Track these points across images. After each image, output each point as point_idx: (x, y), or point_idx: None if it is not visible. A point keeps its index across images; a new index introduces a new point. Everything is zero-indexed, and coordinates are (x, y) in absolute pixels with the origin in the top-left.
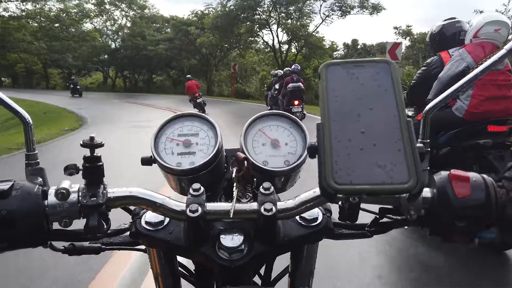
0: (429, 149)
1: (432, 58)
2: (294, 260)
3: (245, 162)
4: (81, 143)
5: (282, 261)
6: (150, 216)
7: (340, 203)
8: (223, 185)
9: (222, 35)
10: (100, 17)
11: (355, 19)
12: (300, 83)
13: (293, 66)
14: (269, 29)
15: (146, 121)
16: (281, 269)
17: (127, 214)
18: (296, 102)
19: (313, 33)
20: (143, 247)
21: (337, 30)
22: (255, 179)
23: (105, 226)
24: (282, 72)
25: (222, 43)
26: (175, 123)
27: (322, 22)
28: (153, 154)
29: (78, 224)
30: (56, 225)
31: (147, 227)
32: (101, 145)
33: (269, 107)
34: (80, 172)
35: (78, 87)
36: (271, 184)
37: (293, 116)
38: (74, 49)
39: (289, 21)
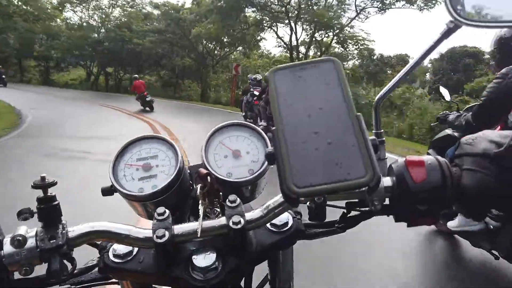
0: (383, 138)
1: (508, 68)
2: (271, 268)
3: (208, 177)
4: (32, 184)
5: (263, 270)
6: (117, 248)
7: (307, 203)
8: (190, 204)
9: (223, 22)
10: (84, 4)
11: (398, 14)
12: None
13: None
14: (287, 21)
15: (106, 138)
16: (261, 279)
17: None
18: None
19: (346, 26)
20: (115, 280)
21: (374, 26)
22: (221, 193)
23: (70, 267)
24: (261, 76)
25: (223, 35)
26: (132, 148)
27: (356, 15)
28: (112, 183)
29: (42, 269)
30: (17, 275)
31: (116, 260)
32: (54, 183)
33: (243, 113)
34: (36, 215)
35: (3, 76)
36: (238, 194)
37: (252, 124)
38: (28, 31)
39: (315, 7)
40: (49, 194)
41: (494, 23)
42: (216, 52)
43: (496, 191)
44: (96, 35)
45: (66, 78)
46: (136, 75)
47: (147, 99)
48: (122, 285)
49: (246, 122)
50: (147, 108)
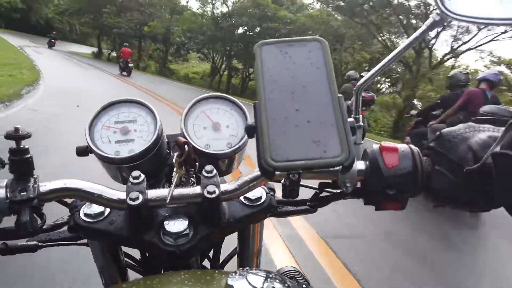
0: (361, 123)
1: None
2: (241, 241)
3: (186, 146)
4: (5, 135)
5: (232, 243)
6: (89, 208)
7: (282, 181)
8: (166, 171)
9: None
10: None
11: None
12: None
13: (491, 71)
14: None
15: None
16: (230, 251)
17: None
18: None
19: None
20: (85, 240)
21: None
22: (197, 164)
23: (40, 222)
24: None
25: None
26: (110, 110)
27: None
28: (88, 143)
29: (10, 221)
30: None
31: (87, 219)
32: (28, 136)
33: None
34: (7, 166)
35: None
36: (215, 167)
37: (233, 98)
38: None
39: None
40: (22, 146)
41: (481, 19)
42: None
43: (462, 199)
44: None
45: (187, 70)
46: (126, 43)
47: (129, 65)
48: (92, 246)
49: (227, 96)
50: (124, 73)
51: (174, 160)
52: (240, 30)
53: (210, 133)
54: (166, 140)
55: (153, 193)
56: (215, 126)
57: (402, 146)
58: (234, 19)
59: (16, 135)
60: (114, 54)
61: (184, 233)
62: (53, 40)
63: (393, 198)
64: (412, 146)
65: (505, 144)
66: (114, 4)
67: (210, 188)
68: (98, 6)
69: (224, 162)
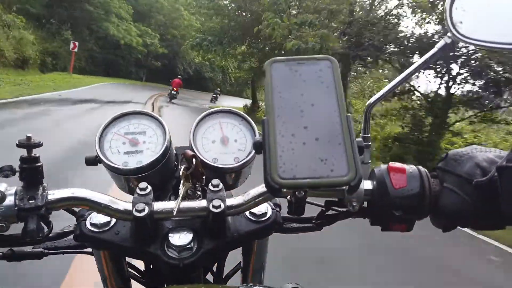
0: (369, 143)
1: None
2: (245, 256)
3: (194, 159)
4: (17, 143)
5: (236, 258)
6: (95, 217)
7: (288, 197)
8: (173, 184)
9: None
10: None
11: None
12: None
13: None
14: None
15: None
16: (233, 266)
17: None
18: None
19: None
20: (89, 250)
21: None
22: (204, 177)
23: (46, 230)
24: None
25: None
26: (121, 121)
27: None
28: (98, 153)
29: (18, 229)
30: None
31: (93, 229)
32: (39, 145)
33: None
34: (17, 174)
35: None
36: (222, 181)
37: (242, 113)
38: None
39: None
40: (33, 155)
41: (491, 43)
42: None
43: (471, 216)
44: None
45: None
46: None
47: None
48: (97, 256)
49: (237, 110)
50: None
51: (181, 173)
52: None
53: (218, 147)
54: (175, 152)
55: (159, 205)
56: (224, 140)
57: (410, 167)
58: None
59: (27, 144)
60: None
61: (188, 246)
62: (215, 95)
63: (400, 220)
64: (420, 167)
65: (511, 158)
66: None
67: (216, 202)
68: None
69: (231, 176)
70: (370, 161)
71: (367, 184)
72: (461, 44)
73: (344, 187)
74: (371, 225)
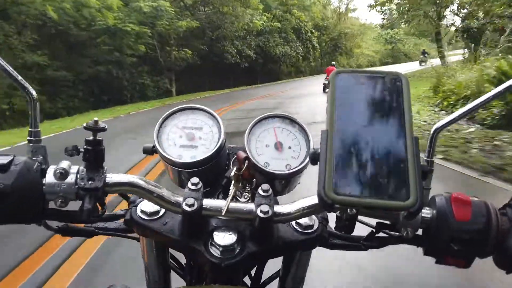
0: (433, 168)
1: None
2: (285, 265)
3: (246, 161)
4: (84, 125)
5: (275, 264)
6: (146, 205)
7: (338, 213)
8: (223, 182)
9: None
10: None
11: None
12: None
13: None
14: None
15: None
16: (272, 272)
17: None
18: None
19: None
20: (136, 235)
21: None
22: (254, 180)
23: (100, 211)
24: None
25: None
26: (180, 115)
27: None
28: (155, 144)
29: (74, 206)
30: (51, 205)
31: (142, 216)
32: (104, 129)
33: None
34: (81, 154)
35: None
36: (271, 186)
37: (298, 120)
38: None
39: None
40: (97, 138)
41: None
42: None
43: None
44: None
45: None
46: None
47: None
48: (141, 242)
49: (295, 118)
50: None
51: (232, 174)
52: None
53: (271, 152)
54: (228, 151)
55: (208, 202)
56: (277, 146)
57: (475, 200)
58: None
59: (94, 127)
60: None
61: (231, 247)
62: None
63: (459, 254)
64: (488, 202)
65: None
66: None
67: (264, 207)
68: None
69: (281, 183)
70: (431, 187)
71: (425, 211)
72: None
73: (402, 212)
74: (424, 255)
